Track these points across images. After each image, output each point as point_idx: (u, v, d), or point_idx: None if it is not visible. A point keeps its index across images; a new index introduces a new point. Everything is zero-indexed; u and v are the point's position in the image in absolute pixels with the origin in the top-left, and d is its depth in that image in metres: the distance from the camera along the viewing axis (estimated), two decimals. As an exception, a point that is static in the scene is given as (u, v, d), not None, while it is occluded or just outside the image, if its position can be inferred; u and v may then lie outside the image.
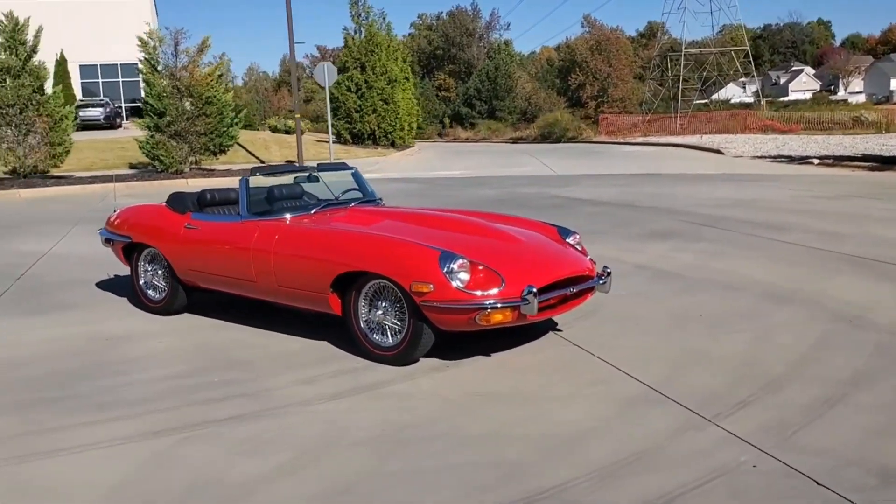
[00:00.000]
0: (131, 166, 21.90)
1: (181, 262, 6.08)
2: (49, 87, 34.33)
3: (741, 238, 9.27)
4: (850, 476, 3.39)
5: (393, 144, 30.63)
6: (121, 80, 42.15)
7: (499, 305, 4.68)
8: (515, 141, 42.94)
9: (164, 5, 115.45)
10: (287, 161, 22.85)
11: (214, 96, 19.02)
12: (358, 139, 30.45)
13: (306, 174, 6.25)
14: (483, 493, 3.33)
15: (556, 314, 5.26)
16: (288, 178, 6.30)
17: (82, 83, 42.25)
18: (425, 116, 56.08)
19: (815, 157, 20.89)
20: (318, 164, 6.58)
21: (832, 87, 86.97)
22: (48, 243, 10.14)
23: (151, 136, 19.28)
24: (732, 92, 68.68)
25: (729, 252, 8.43)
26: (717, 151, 25.63)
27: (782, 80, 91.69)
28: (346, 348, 5.26)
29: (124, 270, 7.07)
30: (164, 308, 6.35)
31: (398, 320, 4.92)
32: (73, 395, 4.60)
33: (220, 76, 19.57)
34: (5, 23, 17.47)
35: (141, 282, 6.53)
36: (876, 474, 3.41)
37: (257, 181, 5.99)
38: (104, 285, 7.54)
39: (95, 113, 33.93)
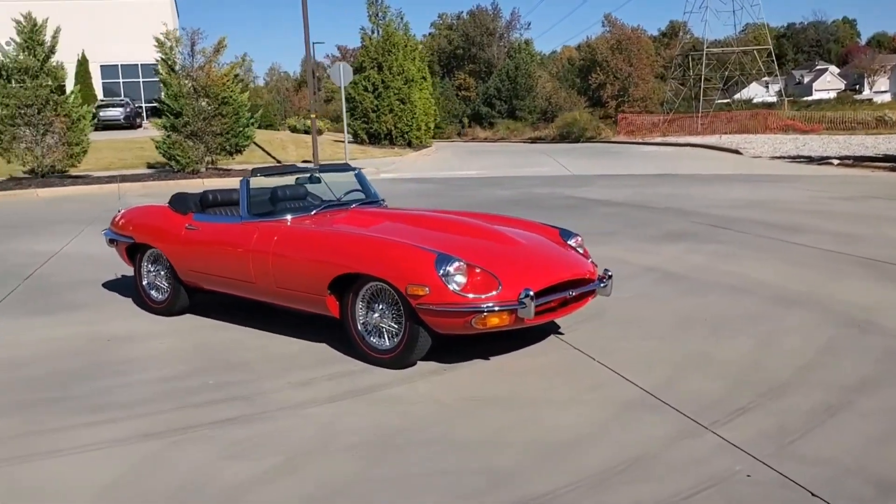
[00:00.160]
0: (149, 166, 22.03)
1: (182, 263, 6.08)
2: (70, 87, 34.74)
3: (754, 240, 9.15)
4: (847, 487, 3.31)
5: (409, 144, 30.61)
6: (141, 80, 42.45)
7: (496, 309, 4.62)
8: (534, 141, 42.81)
9: (186, 6, 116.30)
10: (303, 161, 22.90)
11: (230, 96, 19.07)
12: (375, 139, 30.46)
13: (307, 175, 6.21)
14: (469, 499, 3.28)
15: (556, 317, 5.19)
16: (290, 179, 6.27)
17: (103, 83, 42.62)
18: (445, 116, 56.09)
19: (834, 158, 20.63)
20: (319, 165, 6.55)
21: (857, 87, 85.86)
22: (60, 243, 10.20)
23: (168, 136, 19.38)
24: (755, 91, 68.07)
25: (740, 254, 8.32)
26: (736, 152, 25.40)
27: (806, 80, 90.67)
28: (344, 351, 5.22)
29: (131, 271, 7.07)
30: (167, 309, 6.35)
31: (395, 323, 4.87)
32: (70, 396, 4.60)
33: (235, 76, 19.61)
34: (24, 23, 17.62)
35: (144, 282, 6.54)
36: (875, 485, 3.32)
37: (258, 182, 5.97)
38: (111, 286, 7.56)
39: (116, 113, 34.20)
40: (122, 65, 42.50)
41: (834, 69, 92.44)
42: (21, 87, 17.59)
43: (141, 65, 41.00)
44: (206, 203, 6.31)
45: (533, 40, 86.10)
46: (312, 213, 5.78)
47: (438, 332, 4.75)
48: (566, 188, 15.94)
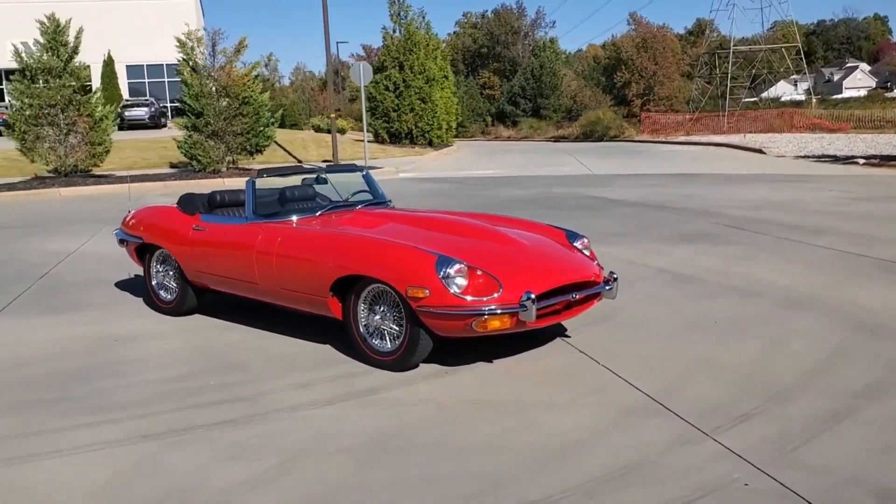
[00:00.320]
0: (171, 165, 22.20)
1: (189, 264, 6.10)
2: (96, 87, 35.12)
3: (771, 241, 9.02)
4: (846, 496, 3.24)
5: (430, 143, 30.59)
6: (166, 80, 42.83)
7: (497, 312, 4.58)
8: (557, 139, 42.63)
9: (211, 6, 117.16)
10: (324, 161, 22.96)
11: (251, 96, 19.16)
12: (395, 138, 30.47)
13: (314, 176, 6.21)
14: (460, 505, 3.24)
15: (560, 320, 5.13)
16: (297, 180, 6.27)
17: (129, 83, 43.11)
18: (469, 115, 55.95)
19: (860, 157, 20.32)
20: (326, 166, 6.55)
21: (888, 84, 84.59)
22: (77, 242, 10.29)
23: (189, 136, 19.51)
24: (783, 90, 67.33)
25: (755, 256, 8.20)
26: (759, 151, 25.11)
27: (836, 77, 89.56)
28: (347, 353, 5.21)
29: (143, 271, 7.11)
30: (175, 309, 6.37)
31: (396, 325, 4.85)
32: (70, 397, 4.62)
33: (256, 76, 19.70)
34: (47, 24, 17.81)
35: (153, 282, 6.57)
36: (875, 495, 3.25)
37: (264, 183, 5.97)
38: (122, 285, 7.60)
39: (140, 113, 34.55)
40: (147, 65, 42.95)
41: (865, 67, 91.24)
42: (44, 87, 17.78)
43: (166, 65, 41.35)
44: (213, 204, 6.32)
45: (558, 39, 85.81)
46: (317, 214, 5.78)
47: (439, 334, 4.72)
48: (585, 188, 15.84)
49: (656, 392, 4.43)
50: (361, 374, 4.88)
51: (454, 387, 4.67)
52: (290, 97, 74.75)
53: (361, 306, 5.00)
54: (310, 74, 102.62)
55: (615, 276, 5.32)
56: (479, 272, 4.68)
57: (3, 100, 21.05)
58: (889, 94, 68.18)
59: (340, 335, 5.36)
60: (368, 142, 27.21)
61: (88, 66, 19.18)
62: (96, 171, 19.78)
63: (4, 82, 20.40)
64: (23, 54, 17.81)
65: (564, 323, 5.64)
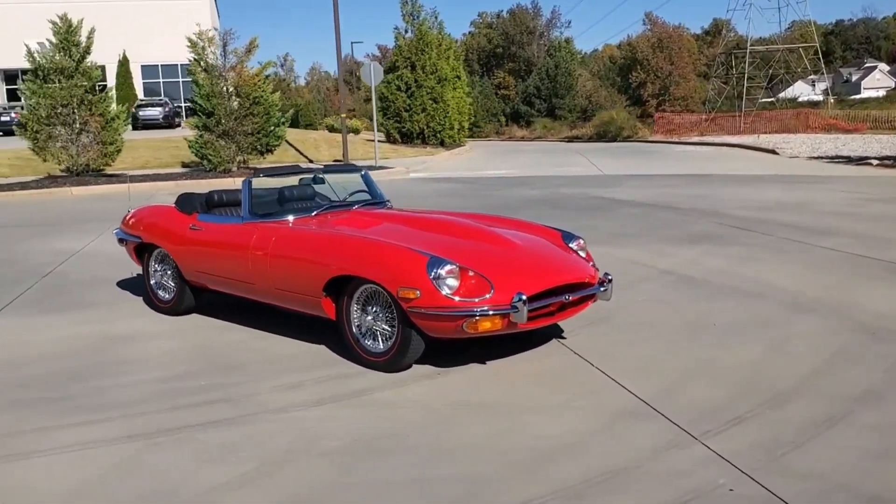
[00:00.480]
0: (183, 165, 22.28)
1: (187, 263, 6.09)
2: (111, 87, 35.28)
3: (778, 243, 8.92)
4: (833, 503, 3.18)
5: (442, 144, 30.54)
6: (181, 80, 43.01)
7: (489, 313, 4.54)
8: (571, 140, 42.51)
9: (227, 6, 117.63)
10: (335, 160, 22.99)
11: (261, 96, 19.19)
12: (407, 138, 30.44)
13: (311, 176, 6.19)
14: (440, 509, 3.21)
15: (553, 322, 5.08)
16: (295, 180, 6.25)
17: (144, 83, 43.34)
18: (484, 115, 55.88)
19: (874, 158, 20.11)
20: (324, 166, 6.53)
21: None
22: (84, 241, 10.33)
23: (200, 136, 19.57)
24: (801, 90, 66.79)
25: (761, 257, 8.11)
26: (772, 152, 24.90)
27: (854, 78, 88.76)
28: (342, 354, 5.18)
29: (143, 270, 7.12)
30: (173, 308, 6.37)
31: (389, 326, 4.82)
32: (64, 396, 4.61)
33: (267, 76, 19.73)
34: (59, 24, 17.91)
35: (152, 282, 6.57)
36: (864, 502, 3.18)
37: (262, 183, 5.96)
38: (125, 284, 7.61)
39: (154, 112, 34.71)
40: (161, 65, 43.16)
41: (884, 67, 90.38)
42: (57, 86, 17.89)
43: (180, 65, 41.49)
44: (211, 203, 6.32)
45: (573, 39, 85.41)
46: (313, 213, 5.76)
47: (431, 335, 4.68)
48: (595, 188, 15.76)
49: (649, 395, 4.37)
50: (354, 376, 4.85)
51: (446, 388, 4.63)
52: (305, 97, 75.03)
53: (354, 307, 4.97)
54: (325, 74, 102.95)
55: (610, 277, 5.26)
56: (470, 273, 4.64)
57: (19, 100, 21.20)
58: (908, 94, 67.45)
59: (336, 336, 5.33)
60: (380, 142, 27.21)
61: (103, 66, 19.31)
62: (108, 171, 19.87)
63: (19, 82, 20.52)
64: (36, 54, 17.92)
65: (561, 324, 5.60)
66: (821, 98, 58.33)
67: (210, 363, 5.21)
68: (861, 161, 20.15)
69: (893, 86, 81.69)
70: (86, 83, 18.16)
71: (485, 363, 4.98)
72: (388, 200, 6.36)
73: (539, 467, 3.56)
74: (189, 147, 20.04)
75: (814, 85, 70.03)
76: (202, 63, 19.13)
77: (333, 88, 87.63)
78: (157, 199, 13.01)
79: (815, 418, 4.01)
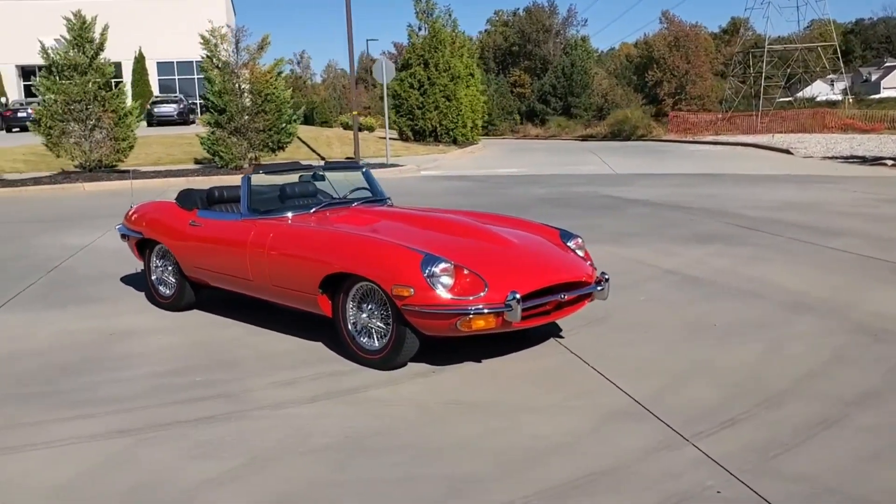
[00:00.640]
0: (196, 161, 22.35)
1: (186, 259, 6.11)
2: (128, 83, 35.40)
3: (786, 243, 8.85)
4: (822, 507, 3.14)
5: (455, 142, 30.47)
6: (196, 77, 43.15)
7: (484, 311, 4.52)
8: (585, 138, 42.33)
9: (243, 4, 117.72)
10: (347, 158, 23.01)
11: (273, 93, 19.23)
12: (420, 136, 30.40)
13: (311, 173, 6.19)
14: (423, 508, 3.19)
15: (549, 321, 5.05)
16: (295, 177, 6.25)
17: (159, 80, 43.55)
18: (499, 112, 55.75)
19: (889, 158, 19.90)
20: (325, 163, 6.53)
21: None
22: (92, 236, 10.39)
23: (212, 133, 19.63)
24: (819, 89, 66.17)
25: (768, 257, 8.04)
26: (786, 151, 24.69)
27: (874, 77, 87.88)
28: (338, 350, 5.17)
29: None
30: (173, 304, 6.39)
31: (383, 324, 4.81)
32: (56, 391, 4.63)
33: (279, 73, 19.77)
34: (73, 21, 18.02)
35: (153, 277, 6.59)
36: (853, 505, 3.14)
37: (262, 179, 5.97)
38: (129, 280, 7.65)
39: (169, 109, 34.88)
40: (177, 62, 43.33)
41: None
42: (70, 83, 17.99)
43: (196, 62, 41.66)
44: (212, 199, 6.33)
45: (589, 37, 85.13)
46: (312, 211, 5.76)
47: (425, 333, 4.67)
48: (605, 187, 15.69)
49: (644, 396, 4.34)
50: (349, 373, 4.84)
51: (440, 387, 4.61)
52: (321, 94, 75.09)
53: (350, 304, 4.97)
54: (341, 72, 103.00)
55: (606, 276, 5.22)
56: (465, 271, 4.63)
57: (36, 96, 21.37)
58: (928, 94, 66.72)
59: (333, 333, 5.32)
60: (393, 140, 27.21)
61: (119, 63, 19.41)
62: (121, 167, 19.97)
63: (34, 79, 20.72)
64: (50, 50, 18.04)
65: (560, 323, 5.57)
66: (839, 97, 57.80)
67: (207, 359, 5.22)
68: (876, 161, 19.95)
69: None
70: (99, 79, 18.25)
71: (480, 362, 4.96)
72: (388, 198, 6.35)
73: (527, 467, 3.54)
74: (201, 143, 20.12)
75: (832, 84, 69.43)
76: (215, 60, 19.18)
77: (349, 86, 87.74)
78: (168, 195, 13.08)
79: (810, 420, 3.97)
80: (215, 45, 19.01)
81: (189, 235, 6.06)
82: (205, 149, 20.01)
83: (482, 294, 4.55)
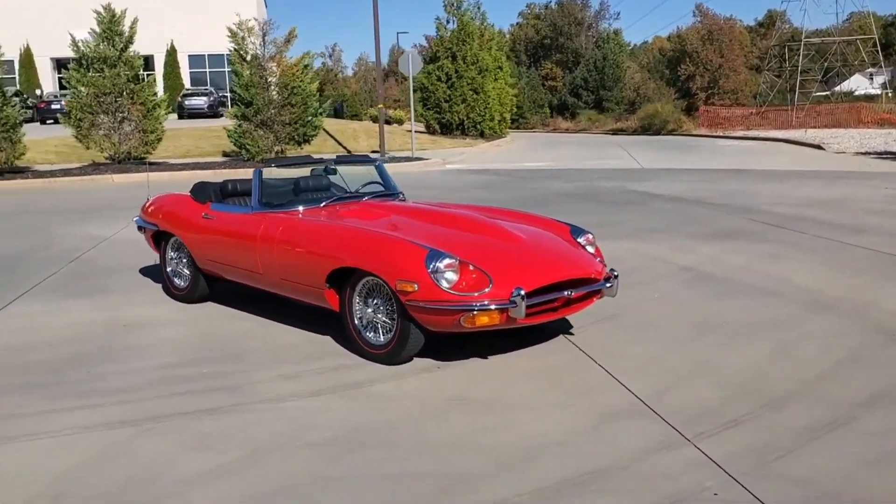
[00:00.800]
0: (224, 154, 22.55)
1: (199, 252, 6.16)
2: (160, 76, 35.79)
3: (808, 240, 8.71)
4: (817, 511, 3.09)
5: (482, 135, 30.40)
6: (226, 69, 43.47)
7: (489, 307, 4.50)
8: (615, 132, 42.03)
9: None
10: (372, 151, 23.06)
11: (299, 86, 19.31)
12: (447, 129, 30.37)
13: (322, 167, 6.20)
14: (412, 505, 3.19)
15: (556, 318, 5.01)
16: (307, 171, 6.27)
17: (191, 73, 43.92)
18: (530, 106, 55.56)
19: (925, 154, 19.51)
20: (336, 157, 6.54)
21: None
22: (115, 228, 10.51)
23: (239, 126, 19.78)
24: (858, 83, 64.98)
25: (787, 255, 7.92)
26: (818, 147, 24.30)
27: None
28: (345, 345, 5.18)
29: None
30: (188, 296, 6.45)
31: (389, 319, 4.81)
32: (63, 381, 4.69)
33: (305, 66, 19.85)
34: (103, 14, 18.24)
35: (168, 269, 6.65)
36: (850, 511, 3.08)
37: (271, 173, 5.99)
38: (146, 272, 7.72)
39: (199, 102, 35.20)
40: (208, 55, 43.66)
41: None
42: (100, 75, 18.23)
43: (226, 55, 42.04)
44: (225, 192, 6.37)
45: (622, 30, 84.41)
46: (322, 205, 5.77)
47: (430, 329, 4.66)
48: (630, 182, 15.57)
49: (647, 395, 4.30)
50: (353, 368, 4.85)
51: (443, 383, 4.60)
52: (352, 87, 75.32)
53: (357, 299, 4.97)
54: (372, 65, 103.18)
55: (616, 273, 5.17)
56: (470, 267, 4.61)
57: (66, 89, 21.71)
58: (969, 89, 65.26)
59: (342, 327, 5.33)
60: (420, 133, 27.23)
61: (151, 56, 19.62)
62: (151, 159, 20.20)
63: (64, 71, 21.03)
64: (80, 43, 18.28)
65: (570, 320, 5.54)
66: (878, 92, 56.73)
67: (215, 351, 5.26)
68: (910, 157, 19.58)
69: (954, 80, 79.07)
70: (128, 72, 18.48)
71: (486, 358, 4.94)
72: (400, 192, 6.35)
73: (522, 465, 3.51)
74: (228, 136, 20.29)
75: (871, 78, 68.16)
76: (242, 53, 19.31)
77: (377, 79, 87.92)
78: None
79: (815, 423, 3.89)
80: (242, 39, 19.14)
81: (202, 228, 6.10)
82: (231, 141, 20.17)
83: (486, 290, 4.53)
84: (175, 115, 34.14)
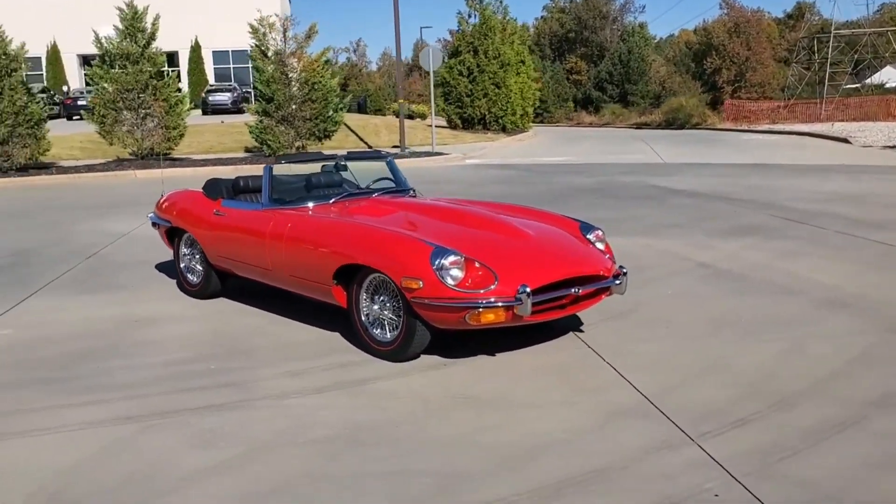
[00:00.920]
0: (247, 150, 22.64)
1: (211, 248, 6.18)
2: (184, 72, 36.01)
3: (829, 236, 8.58)
4: (819, 514, 3.03)
5: (504, 129, 30.28)
6: (250, 65, 43.69)
7: (495, 304, 4.47)
8: (639, 126, 41.70)
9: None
10: (393, 146, 23.06)
11: (320, 82, 19.35)
12: (468, 124, 30.27)
13: (333, 163, 6.20)
14: (409, 503, 3.17)
15: (563, 315, 4.96)
16: (318, 167, 6.27)
17: (215, 69, 44.15)
18: (554, 100, 55.30)
19: (954, 148, 19.15)
20: (347, 153, 6.53)
21: None
22: (134, 223, 10.58)
23: (260, 121, 19.86)
24: (889, 75, 63.96)
25: (806, 251, 7.81)
26: (845, 140, 23.94)
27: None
28: (354, 342, 5.17)
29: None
30: (200, 292, 6.47)
31: (395, 315, 4.79)
32: (72, 377, 4.73)
33: (326, 62, 19.88)
34: (126, 11, 18.38)
35: (181, 265, 6.69)
36: (853, 514, 3.03)
37: (281, 169, 6.00)
38: (162, 267, 7.77)
39: (223, 98, 35.36)
40: (232, 51, 43.85)
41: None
42: (122, 72, 18.38)
43: (248, 51, 42.22)
44: (237, 189, 6.38)
45: (647, 24, 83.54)
46: (332, 201, 5.76)
47: (435, 326, 4.63)
48: (651, 177, 15.43)
49: (655, 393, 4.25)
50: (360, 364, 4.84)
51: (449, 380, 4.58)
52: (376, 82, 75.41)
53: (364, 296, 4.96)
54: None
55: (625, 270, 5.11)
56: (476, 264, 4.58)
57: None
58: None
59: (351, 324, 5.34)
60: (442, 127, 27.18)
61: (175, 52, 19.73)
62: (173, 154, 20.35)
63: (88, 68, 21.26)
64: (103, 40, 18.43)
65: (581, 317, 5.49)
66: (911, 84, 55.79)
67: (224, 347, 5.28)
68: (938, 151, 19.22)
69: None
70: (151, 68, 18.60)
71: (494, 355, 4.92)
72: (411, 188, 6.33)
73: (521, 464, 3.49)
74: (249, 132, 20.38)
75: (903, 70, 67.02)
76: (263, 49, 19.39)
77: (404, 74, 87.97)
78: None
79: (824, 423, 3.83)
80: (263, 35, 19.20)
81: (213, 224, 6.13)
82: (253, 137, 20.27)
83: (492, 287, 4.50)
84: (199, 111, 34.39)
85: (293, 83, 19.36)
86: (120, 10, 18.39)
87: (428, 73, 23.08)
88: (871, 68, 61.14)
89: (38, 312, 6.26)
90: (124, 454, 3.66)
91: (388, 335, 4.86)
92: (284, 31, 19.30)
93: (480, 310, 4.44)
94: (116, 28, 18.50)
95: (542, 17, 77.00)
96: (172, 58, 42.21)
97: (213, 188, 6.36)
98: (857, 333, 5.20)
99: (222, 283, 6.42)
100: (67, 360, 5.04)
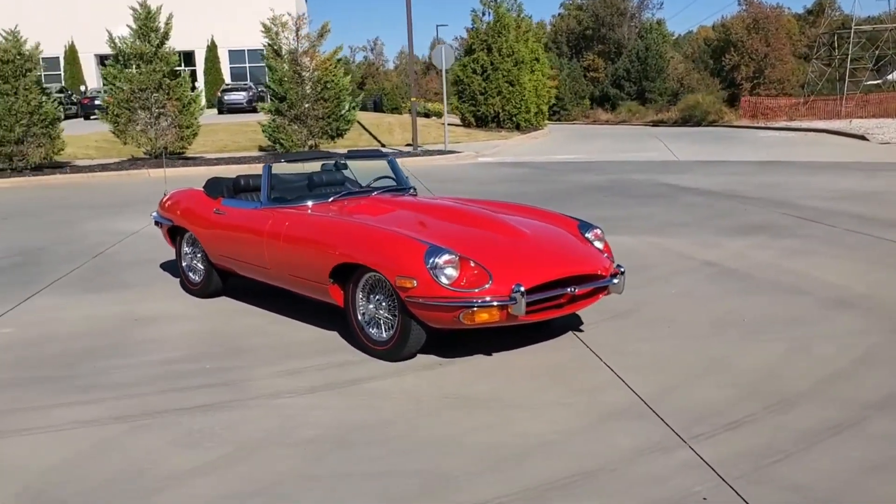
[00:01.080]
0: (260, 149, 22.70)
1: (211, 247, 6.18)
2: (201, 72, 36.13)
3: (840, 235, 8.46)
4: (809, 518, 2.97)
5: (518, 127, 30.16)
6: (266, 64, 43.83)
7: (493, 304, 4.44)
8: (655, 124, 41.40)
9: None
10: (406, 145, 23.04)
11: (332, 80, 19.36)
12: (482, 122, 30.17)
13: (333, 161, 6.19)
14: (391, 505, 3.14)
15: (559, 315, 4.90)
16: (318, 165, 6.26)
17: (231, 68, 44.29)
18: (571, 97, 55.09)
19: (973, 145, 18.86)
20: (348, 151, 6.51)
21: None
22: (144, 222, 10.58)
23: (273, 120, 19.91)
24: (911, 71, 63.18)
25: (815, 250, 7.70)
26: (862, 137, 23.64)
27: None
28: (351, 341, 5.15)
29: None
30: (202, 291, 6.48)
31: (391, 315, 4.77)
32: (69, 376, 4.73)
33: (338, 61, 19.90)
34: (139, 11, 18.47)
35: (183, 264, 6.70)
36: (843, 519, 2.96)
37: (281, 168, 5.99)
38: (167, 266, 7.78)
39: (238, 97, 35.44)
40: (248, 50, 43.94)
41: None
42: (136, 71, 18.47)
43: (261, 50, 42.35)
44: (238, 188, 6.38)
45: (665, 20, 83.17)
46: (330, 200, 5.74)
47: (430, 326, 4.60)
48: (663, 174, 15.31)
49: (651, 394, 4.19)
50: (356, 364, 4.82)
51: (443, 380, 4.55)
52: (393, 81, 75.45)
53: (360, 295, 4.94)
54: (414, 58, 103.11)
55: (622, 269, 5.06)
56: (471, 263, 4.54)
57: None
58: None
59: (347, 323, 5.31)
60: (455, 125, 27.14)
61: (192, 52, 19.82)
62: (188, 154, 20.45)
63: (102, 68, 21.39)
64: (117, 40, 18.53)
65: (581, 316, 5.45)
66: (934, 80, 55.12)
67: (222, 346, 5.27)
68: (958, 148, 18.94)
69: None
70: (164, 68, 18.69)
71: (490, 355, 4.88)
72: (412, 187, 6.30)
73: (509, 466, 3.45)
74: (262, 131, 20.44)
75: (927, 66, 66.23)
76: (276, 48, 19.43)
77: (421, 72, 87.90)
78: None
79: (820, 425, 3.76)
80: (276, 34, 19.24)
81: (213, 223, 6.13)
82: (266, 136, 20.33)
83: (486, 286, 4.46)
84: (215, 110, 34.54)
85: (306, 82, 19.38)
86: (133, 9, 18.48)
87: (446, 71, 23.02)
88: (893, 64, 60.46)
89: (42, 311, 6.28)
90: (112, 454, 3.65)
91: (384, 335, 4.84)
92: (297, 30, 19.32)
93: (475, 309, 4.41)
94: (130, 28, 18.59)
95: (559, 14, 76.81)
96: (189, 57, 42.45)
97: (214, 187, 6.36)
98: (863, 333, 5.12)
99: (224, 283, 6.42)
100: (66, 358, 5.05)
